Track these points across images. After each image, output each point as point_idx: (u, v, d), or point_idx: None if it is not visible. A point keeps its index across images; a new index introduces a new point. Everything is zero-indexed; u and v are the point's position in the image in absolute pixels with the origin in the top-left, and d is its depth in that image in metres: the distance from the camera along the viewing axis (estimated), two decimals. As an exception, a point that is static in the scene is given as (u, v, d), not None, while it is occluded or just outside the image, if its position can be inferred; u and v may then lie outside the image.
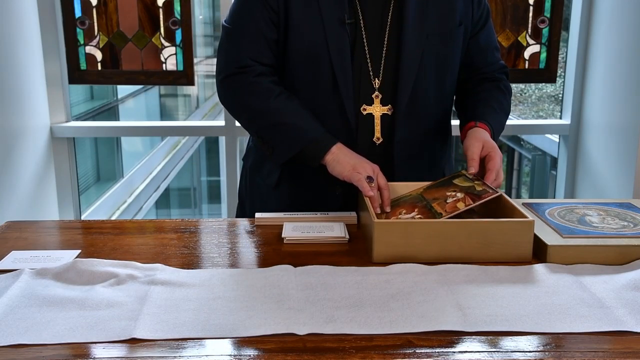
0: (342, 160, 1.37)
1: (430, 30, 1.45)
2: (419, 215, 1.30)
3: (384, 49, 1.45)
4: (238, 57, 1.46)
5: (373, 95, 1.46)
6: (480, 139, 1.40)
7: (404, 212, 1.34)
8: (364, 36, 1.44)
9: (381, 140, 1.46)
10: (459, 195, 1.33)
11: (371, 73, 1.46)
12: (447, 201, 1.32)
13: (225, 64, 1.48)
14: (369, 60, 1.45)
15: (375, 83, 1.46)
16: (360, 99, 1.46)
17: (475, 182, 1.36)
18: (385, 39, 1.45)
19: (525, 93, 9.10)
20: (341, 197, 1.49)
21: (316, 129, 1.41)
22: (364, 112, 1.46)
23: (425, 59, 1.45)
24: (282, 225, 1.35)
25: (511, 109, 1.61)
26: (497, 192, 1.30)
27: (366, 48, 1.45)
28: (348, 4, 1.43)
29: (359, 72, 1.45)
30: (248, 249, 1.29)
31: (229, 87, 1.48)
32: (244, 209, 1.67)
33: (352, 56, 1.44)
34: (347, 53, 1.43)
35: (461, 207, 1.29)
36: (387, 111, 1.46)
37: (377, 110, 1.46)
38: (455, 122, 1.61)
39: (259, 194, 1.61)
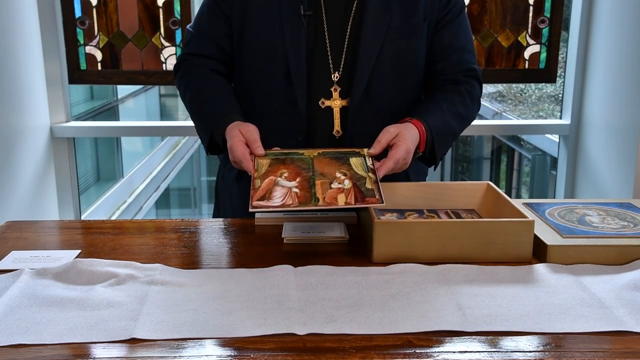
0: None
1: (392, 25, 1.43)
2: (296, 190, 1.21)
3: (346, 42, 1.45)
4: (180, 57, 1.54)
5: (332, 89, 1.45)
6: (398, 129, 1.34)
7: (286, 174, 1.26)
8: (326, 30, 1.44)
9: (341, 133, 1.46)
10: (346, 184, 1.24)
11: (331, 66, 1.45)
12: (332, 185, 1.23)
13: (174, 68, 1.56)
14: (329, 54, 1.45)
15: (334, 76, 1.45)
16: (319, 92, 1.45)
17: (370, 174, 1.27)
18: (347, 32, 1.45)
19: (525, 93, 9.10)
20: None
21: (216, 115, 1.41)
22: (323, 106, 1.45)
23: (384, 53, 1.44)
24: (282, 225, 1.35)
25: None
26: (382, 202, 1.20)
27: (327, 41, 1.44)
28: None
29: (319, 65, 1.45)
30: (248, 249, 1.28)
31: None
32: (218, 205, 1.66)
33: (313, 49, 1.44)
34: (302, 46, 1.42)
35: (340, 202, 1.20)
36: (347, 104, 1.46)
37: (336, 103, 1.45)
38: None
39: (228, 187, 1.61)
